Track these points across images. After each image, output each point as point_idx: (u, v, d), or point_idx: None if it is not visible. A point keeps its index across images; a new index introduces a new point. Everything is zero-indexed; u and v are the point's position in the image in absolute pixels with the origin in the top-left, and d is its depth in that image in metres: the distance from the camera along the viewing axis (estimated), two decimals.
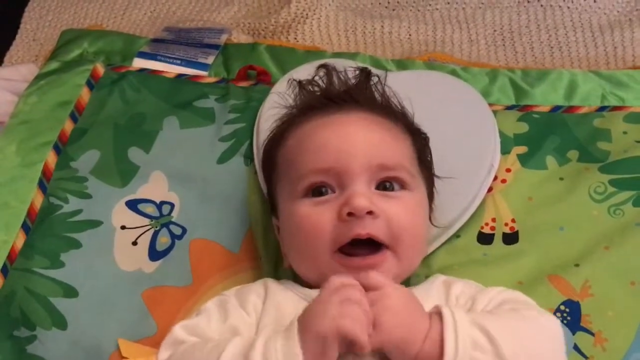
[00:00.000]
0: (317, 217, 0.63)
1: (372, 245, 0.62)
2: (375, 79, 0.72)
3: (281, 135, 0.70)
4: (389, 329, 0.55)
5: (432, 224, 0.72)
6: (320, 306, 0.56)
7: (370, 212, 0.61)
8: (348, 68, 0.73)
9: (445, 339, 0.55)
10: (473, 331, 0.56)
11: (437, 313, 0.57)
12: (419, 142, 0.71)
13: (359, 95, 0.70)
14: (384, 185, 0.64)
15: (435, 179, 0.72)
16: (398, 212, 0.63)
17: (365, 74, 0.73)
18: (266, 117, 0.81)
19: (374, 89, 0.72)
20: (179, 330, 0.62)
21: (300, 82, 0.73)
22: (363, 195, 0.62)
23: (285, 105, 0.73)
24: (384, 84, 0.72)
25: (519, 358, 0.55)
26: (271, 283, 0.66)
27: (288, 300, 0.63)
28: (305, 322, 0.56)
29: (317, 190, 0.64)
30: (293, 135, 0.69)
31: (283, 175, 0.68)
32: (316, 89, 0.72)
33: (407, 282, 0.68)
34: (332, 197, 0.64)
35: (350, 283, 0.57)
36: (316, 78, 0.73)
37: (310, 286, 0.65)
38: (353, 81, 0.72)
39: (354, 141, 0.65)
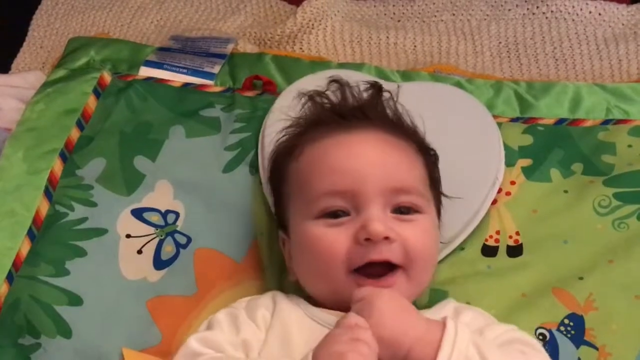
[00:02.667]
0: (333, 239, 0.63)
1: (386, 264, 0.63)
2: (387, 95, 0.72)
3: (292, 150, 0.70)
4: (384, 323, 0.56)
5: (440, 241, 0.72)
6: (330, 343, 0.56)
7: (386, 237, 0.62)
8: (360, 82, 0.73)
9: (442, 346, 0.56)
10: (469, 350, 0.56)
11: (442, 322, 0.58)
12: (430, 160, 0.71)
13: (372, 112, 0.69)
14: (399, 209, 0.65)
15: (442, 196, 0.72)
16: (414, 236, 0.64)
17: (376, 89, 0.72)
18: (271, 127, 0.81)
19: (385, 105, 0.72)
20: (194, 342, 0.62)
21: (311, 96, 0.72)
22: (380, 220, 0.62)
23: (292, 117, 0.73)
24: (396, 100, 0.72)
25: None
26: (279, 297, 0.66)
27: (294, 318, 0.63)
28: (318, 355, 0.56)
29: (332, 213, 0.64)
30: (305, 152, 0.68)
31: (295, 193, 0.68)
32: (326, 102, 0.71)
33: (415, 302, 0.68)
34: (347, 220, 0.64)
35: (364, 326, 0.57)
36: (328, 92, 0.72)
37: (316, 303, 0.65)
38: (365, 96, 0.71)
39: (370, 163, 0.65)
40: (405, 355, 0.56)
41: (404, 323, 0.57)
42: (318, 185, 0.65)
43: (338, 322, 0.58)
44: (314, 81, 0.76)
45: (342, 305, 0.62)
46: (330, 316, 0.62)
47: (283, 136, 0.73)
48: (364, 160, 0.65)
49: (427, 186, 0.68)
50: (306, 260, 0.66)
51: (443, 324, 0.58)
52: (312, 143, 0.68)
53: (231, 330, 0.63)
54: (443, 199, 0.73)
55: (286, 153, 0.71)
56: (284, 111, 0.74)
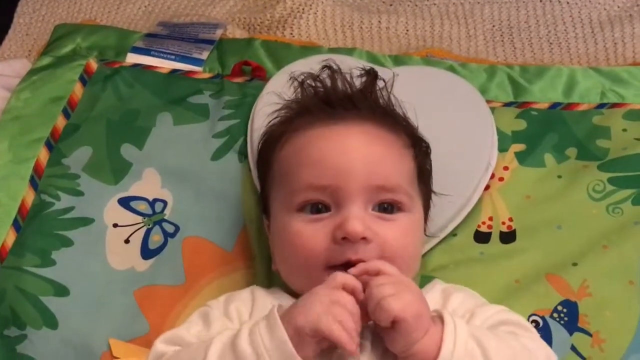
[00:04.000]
0: (311, 236, 0.62)
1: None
2: (381, 84, 0.70)
3: (278, 137, 0.69)
4: (408, 302, 0.55)
5: (425, 234, 0.71)
6: (308, 301, 0.56)
7: (364, 238, 0.61)
8: (354, 69, 0.71)
9: (444, 339, 0.55)
10: (470, 343, 0.55)
11: (439, 317, 0.57)
12: (421, 152, 0.69)
13: (362, 103, 0.67)
14: (383, 206, 0.63)
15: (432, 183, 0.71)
16: (393, 236, 0.62)
17: (371, 77, 0.70)
18: (261, 113, 0.80)
19: (378, 95, 0.70)
20: (159, 345, 0.61)
21: (302, 81, 0.70)
22: (358, 219, 0.61)
23: (282, 102, 0.72)
24: (390, 91, 0.70)
25: None
26: (258, 291, 0.65)
27: None
28: (289, 311, 0.55)
29: (312, 206, 0.63)
30: (290, 141, 0.67)
31: (278, 183, 0.67)
32: (319, 86, 0.69)
33: None
34: (327, 216, 0.63)
35: (352, 284, 0.56)
36: (321, 76, 0.70)
37: (297, 295, 0.64)
38: (357, 85, 0.69)
39: (353, 158, 0.63)
40: (414, 345, 0.55)
41: (425, 306, 0.56)
42: (299, 178, 0.64)
43: (327, 280, 0.57)
44: (307, 65, 0.74)
45: None
46: None
47: (274, 119, 0.71)
48: (348, 155, 0.63)
49: (413, 182, 0.67)
50: (285, 254, 0.65)
51: (440, 317, 0.57)
52: (297, 132, 0.67)
53: (202, 326, 0.62)
54: (436, 182, 0.71)
55: (272, 140, 0.70)
56: (275, 95, 0.72)
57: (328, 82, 0.70)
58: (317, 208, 0.63)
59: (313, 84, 0.70)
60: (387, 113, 0.69)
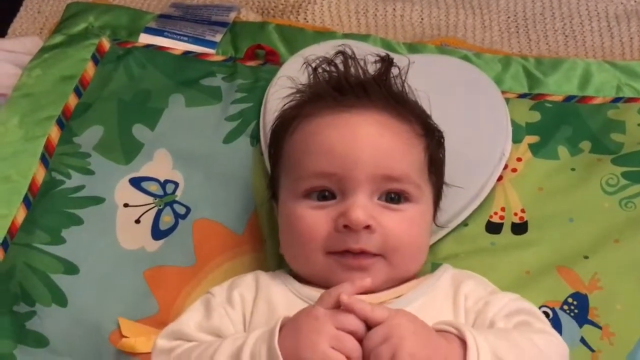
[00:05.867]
0: (314, 221, 0.62)
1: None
2: (395, 71, 0.69)
3: (290, 122, 0.68)
4: (416, 353, 0.52)
5: (436, 224, 0.71)
6: (311, 333, 0.53)
7: (367, 227, 0.60)
8: (368, 55, 0.70)
9: None
10: None
11: (456, 335, 0.55)
12: (433, 142, 0.68)
13: (374, 91, 0.66)
14: (390, 196, 0.63)
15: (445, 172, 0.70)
16: (398, 226, 0.62)
17: (385, 64, 0.69)
18: (273, 98, 0.79)
19: (392, 82, 0.68)
20: (160, 341, 0.61)
21: (315, 66, 0.69)
22: (362, 208, 0.60)
23: (296, 87, 0.71)
24: (405, 79, 0.69)
25: None
26: (263, 277, 0.65)
27: (280, 295, 0.62)
28: (292, 344, 0.53)
29: (318, 193, 0.63)
30: (301, 126, 0.66)
31: (287, 168, 0.67)
32: (334, 72, 0.69)
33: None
34: (332, 203, 0.62)
35: (350, 304, 0.54)
36: (336, 61, 0.69)
37: (301, 278, 0.64)
38: (371, 72, 0.68)
39: (361, 148, 0.62)
40: None
41: (427, 347, 0.53)
42: (307, 164, 0.63)
43: (322, 296, 0.55)
44: (322, 50, 0.73)
45: (328, 283, 0.61)
46: (315, 293, 0.61)
47: (287, 103, 0.71)
48: (356, 143, 0.62)
49: (423, 172, 0.66)
50: (287, 238, 0.65)
51: (460, 339, 0.55)
52: (308, 118, 0.66)
53: (203, 316, 0.61)
54: (449, 172, 0.71)
55: (284, 125, 0.69)
56: (288, 80, 0.72)
57: (341, 68, 0.69)
58: (323, 195, 0.63)
59: (327, 69, 0.69)
60: (399, 101, 0.68)
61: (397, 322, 0.54)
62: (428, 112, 0.70)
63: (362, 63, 0.69)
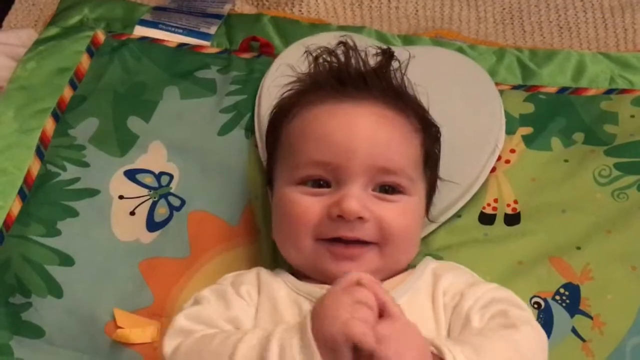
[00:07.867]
0: (306, 207, 0.62)
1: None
2: (395, 64, 0.69)
3: (288, 110, 0.68)
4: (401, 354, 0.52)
5: (428, 219, 0.71)
6: (331, 308, 0.53)
7: (360, 218, 0.61)
8: (370, 47, 0.70)
9: None
10: None
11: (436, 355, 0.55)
12: (430, 137, 0.69)
13: (374, 83, 0.67)
14: (384, 188, 0.63)
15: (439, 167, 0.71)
16: (391, 217, 0.62)
17: (386, 57, 0.69)
18: (268, 89, 0.80)
19: (392, 76, 0.69)
20: (183, 320, 0.60)
21: (316, 56, 0.70)
22: (355, 198, 0.61)
23: (293, 76, 0.71)
24: (404, 73, 0.69)
25: None
26: (263, 273, 0.65)
27: (280, 294, 0.62)
28: (317, 324, 0.52)
29: (313, 182, 0.63)
30: (299, 114, 0.67)
31: (283, 156, 0.67)
32: (334, 62, 0.69)
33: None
34: (326, 192, 0.63)
35: (368, 281, 0.54)
36: (334, 52, 0.69)
37: (300, 275, 0.64)
38: (371, 64, 0.68)
39: (358, 138, 0.63)
40: None
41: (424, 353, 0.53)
42: (303, 153, 0.64)
43: (338, 280, 0.55)
44: (320, 41, 0.73)
45: (317, 272, 0.62)
46: (315, 289, 0.61)
47: (287, 91, 0.71)
48: (353, 134, 0.63)
49: (418, 166, 0.66)
50: (279, 223, 0.65)
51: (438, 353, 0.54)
52: (307, 106, 0.66)
53: (220, 305, 0.61)
54: (443, 163, 0.71)
55: (282, 112, 0.70)
56: (285, 69, 0.72)
57: (342, 58, 0.69)
58: (319, 184, 0.63)
59: (328, 59, 0.69)
60: (398, 95, 0.68)
61: (405, 324, 0.53)
62: (426, 106, 0.70)
63: (362, 55, 0.69)
